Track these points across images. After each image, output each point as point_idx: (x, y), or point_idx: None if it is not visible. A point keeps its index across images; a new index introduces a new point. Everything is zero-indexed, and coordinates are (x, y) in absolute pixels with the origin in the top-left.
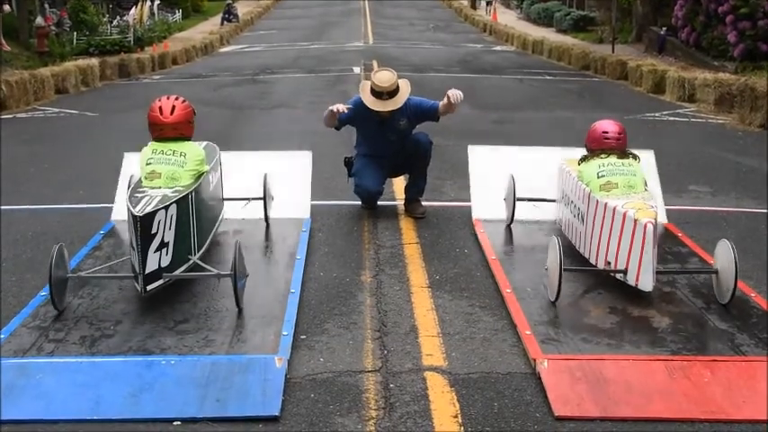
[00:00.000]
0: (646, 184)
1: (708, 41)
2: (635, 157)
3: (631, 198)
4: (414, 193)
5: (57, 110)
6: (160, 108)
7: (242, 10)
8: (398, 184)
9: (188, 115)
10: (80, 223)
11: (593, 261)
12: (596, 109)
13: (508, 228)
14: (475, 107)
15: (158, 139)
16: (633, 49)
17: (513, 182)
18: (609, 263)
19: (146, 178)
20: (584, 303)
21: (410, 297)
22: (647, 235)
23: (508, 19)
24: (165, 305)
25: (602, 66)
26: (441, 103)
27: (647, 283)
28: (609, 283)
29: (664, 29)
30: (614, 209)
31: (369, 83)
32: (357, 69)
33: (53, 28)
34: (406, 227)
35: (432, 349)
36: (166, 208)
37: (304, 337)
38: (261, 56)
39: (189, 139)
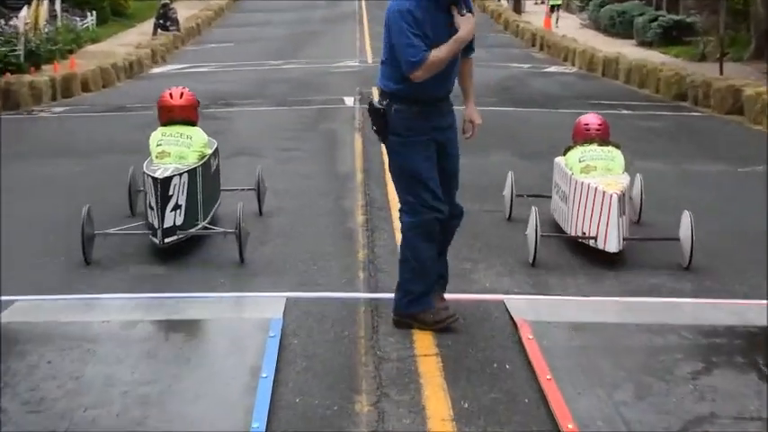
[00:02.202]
0: (624, 169)
1: None
2: (616, 146)
3: (607, 178)
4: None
5: None
6: (170, 94)
7: (184, 13)
8: None
9: (194, 101)
10: None
11: (572, 233)
12: (697, 157)
13: (566, 328)
14: (519, 155)
15: (167, 123)
16: (751, 69)
17: (511, 179)
18: (584, 233)
19: (156, 157)
20: None
21: None
22: (613, 204)
23: (568, 26)
24: None
25: (706, 94)
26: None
27: (612, 245)
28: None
29: None
30: (588, 185)
31: None
32: (350, 101)
33: None
34: (420, 330)
35: None
36: (180, 175)
37: None
38: (212, 80)
39: (195, 125)
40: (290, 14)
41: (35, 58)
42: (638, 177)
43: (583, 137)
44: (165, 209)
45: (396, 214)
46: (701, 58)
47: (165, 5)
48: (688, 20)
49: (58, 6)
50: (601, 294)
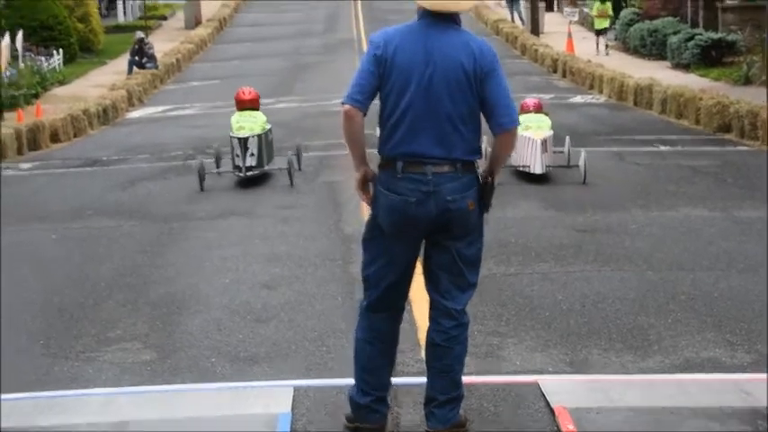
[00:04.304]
0: (551, 127)
1: None
2: (546, 113)
3: (537, 132)
4: (440, 407)
5: None
6: (243, 92)
7: (162, 47)
8: None
9: (257, 96)
10: None
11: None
12: (747, 201)
13: (611, 415)
14: (547, 204)
15: (241, 109)
16: None
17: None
18: (522, 164)
19: (237, 130)
20: None
21: None
22: (537, 145)
23: (593, 49)
24: None
25: (753, 125)
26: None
27: (537, 169)
28: None
29: None
30: (525, 136)
31: None
32: None
33: None
34: None
35: None
36: (253, 137)
37: None
38: (196, 124)
39: (258, 110)
40: (281, 44)
41: None
42: (567, 138)
43: (524, 110)
44: (246, 155)
45: (421, 284)
46: (745, 82)
47: (140, 40)
48: (729, 38)
49: (19, 45)
50: (648, 371)
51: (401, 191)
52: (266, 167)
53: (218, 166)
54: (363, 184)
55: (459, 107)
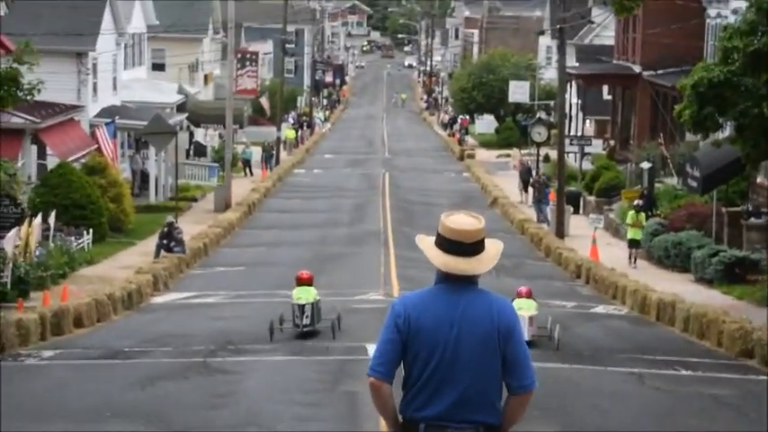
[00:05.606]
0: (537, 308)
1: None
2: (533, 298)
3: (526, 311)
4: None
5: None
6: (302, 273)
7: (190, 229)
8: None
9: (312, 276)
10: None
11: None
12: None
13: None
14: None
15: (299, 285)
16: None
17: None
18: None
19: (297, 299)
20: None
21: None
22: (525, 319)
23: (617, 256)
24: None
25: None
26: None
27: (525, 337)
28: None
29: None
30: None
31: (430, 238)
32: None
33: None
34: None
35: None
36: (308, 304)
37: None
38: (219, 315)
39: (311, 286)
40: (307, 232)
41: (23, 286)
42: (549, 318)
43: (519, 295)
44: (303, 316)
45: None
46: None
47: (170, 224)
48: (753, 256)
49: (51, 223)
50: None
51: None
52: (316, 326)
53: (280, 324)
54: None
55: (485, 368)
